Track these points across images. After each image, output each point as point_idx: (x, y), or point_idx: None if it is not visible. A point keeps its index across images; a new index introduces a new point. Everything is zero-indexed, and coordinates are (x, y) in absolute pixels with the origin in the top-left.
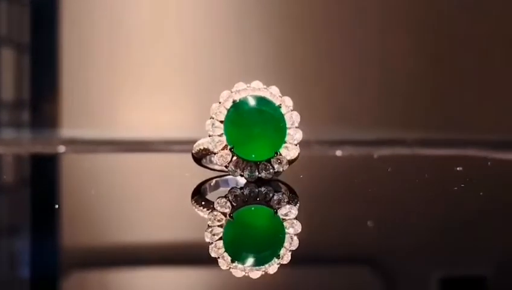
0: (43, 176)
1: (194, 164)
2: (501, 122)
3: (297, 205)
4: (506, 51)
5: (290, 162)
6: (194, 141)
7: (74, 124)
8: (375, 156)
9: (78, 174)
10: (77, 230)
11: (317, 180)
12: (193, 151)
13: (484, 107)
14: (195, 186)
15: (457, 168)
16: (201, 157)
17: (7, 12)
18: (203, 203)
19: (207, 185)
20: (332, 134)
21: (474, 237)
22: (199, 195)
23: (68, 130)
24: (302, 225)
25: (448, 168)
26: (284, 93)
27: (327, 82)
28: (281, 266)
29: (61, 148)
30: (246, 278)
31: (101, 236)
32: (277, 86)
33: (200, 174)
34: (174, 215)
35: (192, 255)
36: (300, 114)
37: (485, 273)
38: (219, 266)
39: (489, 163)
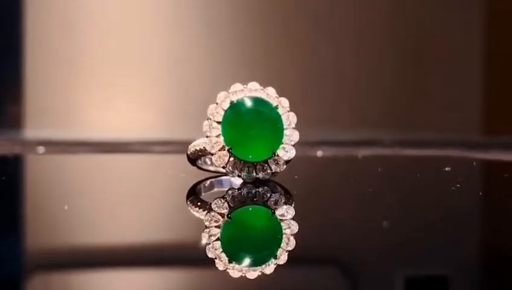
0: (6, 177)
1: (155, 165)
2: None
3: (293, 205)
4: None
5: (287, 162)
6: (162, 142)
7: (38, 124)
8: (360, 156)
9: (42, 176)
10: (41, 232)
11: (301, 181)
12: (188, 152)
13: (465, 106)
14: (188, 186)
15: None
16: (196, 158)
17: None
18: (199, 203)
19: (201, 185)
20: (312, 135)
21: (444, 237)
22: (194, 196)
23: (32, 131)
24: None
25: (430, 169)
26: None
27: (309, 82)
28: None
29: (25, 150)
30: (242, 278)
31: (64, 238)
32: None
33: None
34: (140, 215)
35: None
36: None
37: (449, 273)
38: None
39: (474, 163)
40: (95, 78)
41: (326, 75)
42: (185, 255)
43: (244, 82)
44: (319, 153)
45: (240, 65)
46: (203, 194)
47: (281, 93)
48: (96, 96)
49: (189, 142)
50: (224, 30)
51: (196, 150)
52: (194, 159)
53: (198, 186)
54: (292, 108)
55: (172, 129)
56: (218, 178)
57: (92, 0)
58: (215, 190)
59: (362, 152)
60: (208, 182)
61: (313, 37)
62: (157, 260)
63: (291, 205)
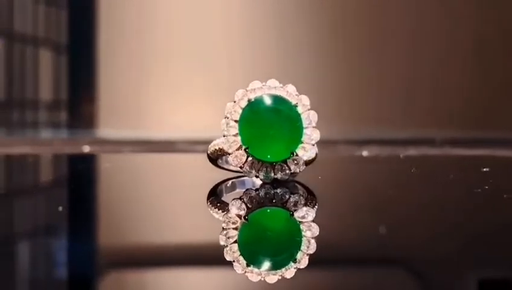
0: (79, 176)
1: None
2: None
3: (315, 207)
4: None
5: (308, 162)
6: None
7: (111, 124)
8: (402, 156)
9: (115, 175)
10: (113, 230)
11: (339, 182)
12: (208, 152)
13: None
14: (211, 187)
15: (484, 169)
16: (216, 158)
17: (45, 13)
18: (218, 204)
19: (223, 186)
20: (360, 133)
21: (507, 239)
22: (215, 196)
23: (105, 130)
24: (320, 227)
25: (477, 169)
26: (310, 91)
27: (354, 80)
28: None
29: (98, 149)
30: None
31: (137, 236)
32: (302, 84)
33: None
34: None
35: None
36: (327, 113)
37: None
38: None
39: None
40: (167, 78)
41: (377, 73)
42: None
43: (309, 84)
44: (365, 153)
45: (297, 64)
46: (224, 195)
47: (332, 92)
48: (168, 96)
49: None
50: (292, 32)
51: (216, 149)
52: (214, 158)
53: (219, 187)
54: (338, 105)
55: None
56: (241, 178)
57: (164, 1)
58: (238, 190)
59: (411, 151)
60: (230, 182)
61: (367, 34)
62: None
63: (313, 206)
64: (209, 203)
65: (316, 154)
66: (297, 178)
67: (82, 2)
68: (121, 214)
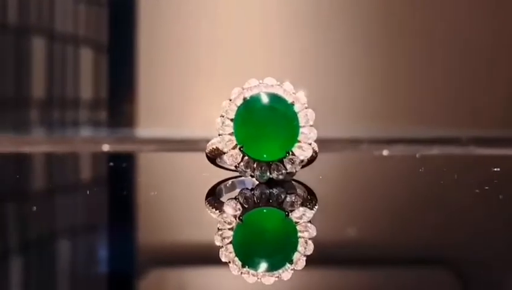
0: (120, 174)
1: None
2: None
3: (315, 207)
4: None
5: (309, 161)
6: None
7: (150, 123)
8: (417, 155)
9: (154, 173)
10: (153, 228)
11: (349, 181)
12: (206, 151)
13: None
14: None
15: (495, 169)
16: (215, 157)
17: (85, 12)
18: (215, 204)
19: (222, 185)
20: (384, 132)
21: None
22: (214, 196)
23: (144, 129)
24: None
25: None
26: (336, 89)
27: (377, 78)
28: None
29: (138, 147)
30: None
31: (176, 234)
32: (327, 82)
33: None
34: None
35: None
36: (350, 111)
37: None
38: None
39: None
40: (206, 77)
41: (400, 72)
42: None
43: (358, 81)
44: (385, 152)
45: (344, 63)
46: (224, 195)
47: (355, 90)
48: (208, 95)
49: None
50: (324, 31)
51: (213, 148)
52: (213, 158)
53: (219, 187)
54: (361, 104)
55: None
56: (241, 178)
57: (201, 3)
58: (238, 190)
59: (435, 151)
60: (230, 182)
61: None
62: None
63: (313, 207)
64: (206, 203)
65: (316, 153)
66: (301, 178)
67: (122, 1)
68: (160, 212)
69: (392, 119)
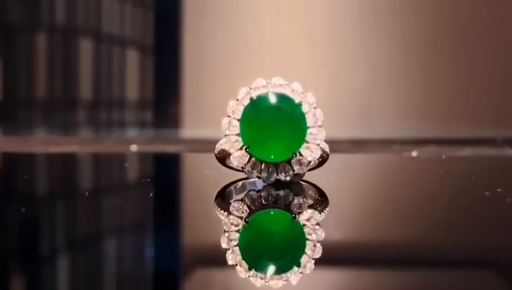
0: (165, 175)
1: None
2: None
3: (326, 209)
4: None
5: (321, 162)
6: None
7: (196, 124)
8: (443, 156)
9: (199, 174)
10: (198, 228)
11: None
12: (215, 152)
13: None
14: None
15: None
16: (224, 158)
17: (131, 14)
18: (223, 206)
19: (232, 187)
20: (417, 132)
21: None
22: (222, 198)
23: (190, 130)
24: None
25: None
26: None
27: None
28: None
29: (183, 148)
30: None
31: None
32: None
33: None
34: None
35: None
36: (383, 112)
37: None
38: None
39: None
40: (252, 78)
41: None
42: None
43: (408, 82)
44: (414, 153)
45: (397, 63)
46: (234, 196)
47: (388, 89)
48: None
49: (348, 141)
50: (387, 29)
51: (221, 149)
52: (222, 158)
53: (228, 189)
54: (396, 104)
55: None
56: (251, 179)
57: (248, 4)
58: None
59: (467, 152)
60: (240, 183)
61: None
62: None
63: (323, 209)
64: (215, 204)
65: (327, 154)
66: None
67: (168, 3)
68: (205, 212)
69: (424, 119)
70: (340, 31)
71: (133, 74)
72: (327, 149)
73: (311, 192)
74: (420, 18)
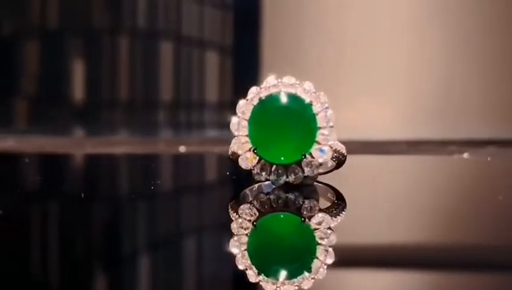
0: (241, 175)
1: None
2: None
3: (343, 213)
4: None
5: (338, 165)
6: (403, 142)
7: None
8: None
9: None
10: None
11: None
12: (229, 153)
13: None
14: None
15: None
16: (236, 159)
17: (211, 16)
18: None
19: (247, 190)
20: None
21: None
22: (240, 201)
23: None
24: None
25: None
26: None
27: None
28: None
29: None
30: None
31: None
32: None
33: None
34: (386, 216)
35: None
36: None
37: None
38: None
39: None
40: (331, 80)
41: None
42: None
43: (479, 81)
44: (466, 155)
45: (473, 62)
46: (250, 199)
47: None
48: (332, 98)
49: (427, 142)
50: (464, 28)
51: (233, 151)
52: (235, 160)
53: (243, 191)
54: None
55: (412, 129)
56: (267, 181)
57: (331, 4)
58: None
59: None
60: (256, 186)
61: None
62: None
63: (340, 212)
64: (230, 208)
65: (344, 156)
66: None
67: (247, 4)
68: None
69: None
70: (418, 27)
71: (212, 76)
72: (343, 150)
73: (329, 195)
74: (499, 19)
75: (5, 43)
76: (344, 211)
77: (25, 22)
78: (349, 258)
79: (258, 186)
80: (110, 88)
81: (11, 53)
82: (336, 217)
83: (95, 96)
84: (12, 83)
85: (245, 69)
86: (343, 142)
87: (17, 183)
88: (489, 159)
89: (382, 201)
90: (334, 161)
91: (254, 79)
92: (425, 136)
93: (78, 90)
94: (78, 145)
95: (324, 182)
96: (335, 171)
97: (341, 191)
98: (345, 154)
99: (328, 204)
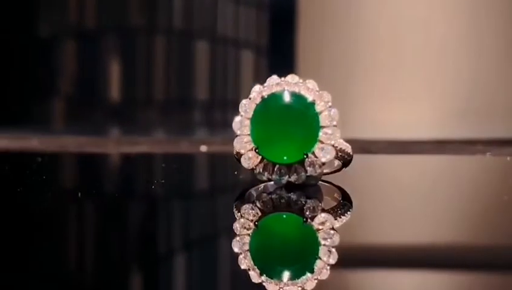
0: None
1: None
2: None
3: (348, 213)
4: None
5: (344, 164)
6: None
7: None
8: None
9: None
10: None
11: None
12: (234, 153)
13: None
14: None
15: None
16: (240, 159)
17: (246, 15)
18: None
19: (253, 190)
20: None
21: None
22: (244, 201)
23: None
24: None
25: None
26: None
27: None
28: None
29: None
30: None
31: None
32: None
33: None
34: (425, 216)
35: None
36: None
37: None
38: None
39: None
40: (366, 79)
41: None
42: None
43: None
44: (488, 155)
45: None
46: (253, 199)
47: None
48: (368, 97)
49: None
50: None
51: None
52: (239, 159)
53: (249, 191)
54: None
55: (447, 129)
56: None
57: (366, 3)
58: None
59: None
60: (262, 185)
61: None
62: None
63: (344, 213)
64: (234, 208)
65: (349, 155)
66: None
67: (282, 3)
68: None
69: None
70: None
71: (247, 75)
72: (348, 150)
73: (336, 195)
74: None
75: (43, 44)
76: (349, 211)
77: (62, 22)
78: (361, 257)
79: (264, 186)
80: (145, 88)
81: (49, 54)
82: (340, 218)
83: (130, 96)
84: (51, 83)
85: (280, 69)
86: (371, 142)
87: (54, 182)
88: (508, 158)
89: (402, 200)
90: (339, 160)
91: None
92: (451, 136)
93: (114, 89)
94: (114, 144)
95: (340, 181)
96: (357, 170)
97: (361, 190)
98: (351, 153)
99: (334, 204)
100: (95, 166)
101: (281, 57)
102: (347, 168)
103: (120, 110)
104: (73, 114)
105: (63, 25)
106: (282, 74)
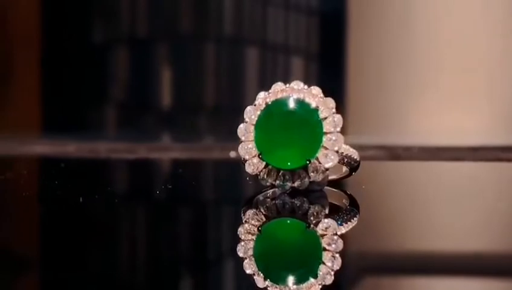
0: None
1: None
2: None
3: (354, 219)
4: None
5: (352, 170)
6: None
7: (360, 131)
8: None
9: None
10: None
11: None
12: (242, 159)
13: None
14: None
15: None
16: None
17: (296, 22)
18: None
19: (261, 195)
20: None
21: None
22: (253, 206)
23: (354, 137)
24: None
25: None
26: None
27: None
28: None
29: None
30: None
31: (389, 242)
32: None
33: None
34: (461, 222)
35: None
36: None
37: None
38: None
39: None
40: (416, 86)
41: None
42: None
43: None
44: None
45: None
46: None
47: None
48: (417, 104)
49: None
50: None
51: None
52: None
53: (257, 197)
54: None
55: (498, 135)
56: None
57: (417, 8)
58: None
59: None
60: (271, 191)
61: None
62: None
63: (350, 219)
64: (242, 213)
65: (357, 161)
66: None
67: (333, 10)
68: (377, 219)
69: None
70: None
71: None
72: (355, 156)
73: (344, 201)
74: None
75: (96, 51)
76: (356, 217)
77: (115, 30)
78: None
79: (272, 191)
80: (196, 94)
81: (102, 61)
82: (346, 223)
83: (180, 102)
84: (104, 90)
85: (331, 75)
86: (424, 149)
87: (107, 187)
88: None
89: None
90: (346, 166)
91: (340, 85)
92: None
93: (165, 96)
94: (165, 150)
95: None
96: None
97: (394, 196)
98: (358, 159)
99: (342, 210)
100: (145, 171)
101: (331, 63)
102: (355, 173)
103: (171, 116)
104: (125, 120)
105: (116, 32)
106: (331, 80)
